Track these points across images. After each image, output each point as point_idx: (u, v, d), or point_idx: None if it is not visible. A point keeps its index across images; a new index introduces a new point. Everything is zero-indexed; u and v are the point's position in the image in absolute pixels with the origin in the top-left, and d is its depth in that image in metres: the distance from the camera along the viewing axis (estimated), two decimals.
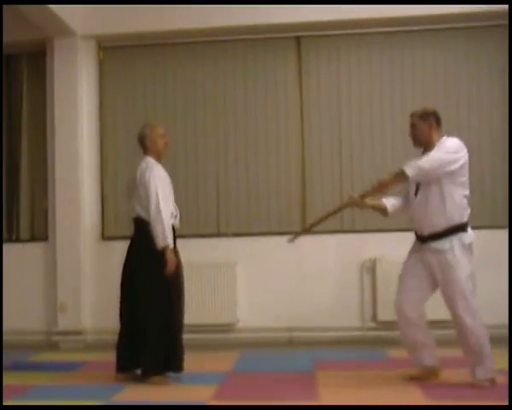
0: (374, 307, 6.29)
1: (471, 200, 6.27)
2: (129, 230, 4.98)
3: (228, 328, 6.39)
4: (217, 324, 6.35)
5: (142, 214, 4.68)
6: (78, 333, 6.46)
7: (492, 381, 4.29)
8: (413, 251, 4.54)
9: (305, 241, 6.36)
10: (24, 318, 6.51)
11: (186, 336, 4.81)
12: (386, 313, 6.00)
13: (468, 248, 4.30)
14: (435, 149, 4.33)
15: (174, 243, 4.70)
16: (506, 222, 6.22)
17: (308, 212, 6.48)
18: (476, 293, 4.33)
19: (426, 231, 4.38)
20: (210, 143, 6.63)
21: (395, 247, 5.93)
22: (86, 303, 6.52)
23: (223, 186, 6.59)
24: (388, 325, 5.91)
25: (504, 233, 6.18)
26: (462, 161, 4.30)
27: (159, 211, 4.55)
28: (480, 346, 4.25)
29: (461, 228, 4.29)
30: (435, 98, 6.39)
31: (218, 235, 6.55)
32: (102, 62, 6.76)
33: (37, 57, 6.81)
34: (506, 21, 6.25)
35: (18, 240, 6.73)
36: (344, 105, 6.54)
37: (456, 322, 4.32)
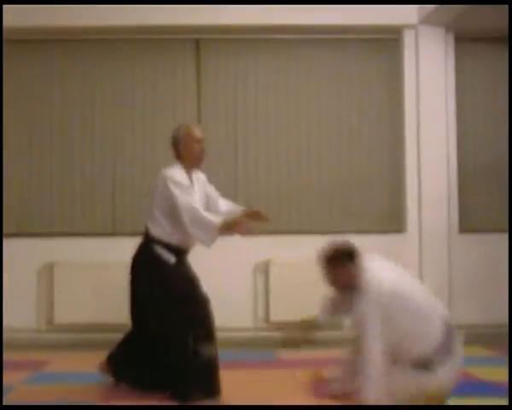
0: (266, 309, 6.42)
1: (360, 205, 6.61)
2: None
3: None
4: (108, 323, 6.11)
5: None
6: None
7: None
8: None
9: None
10: None
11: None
12: (278, 314, 6.23)
13: None
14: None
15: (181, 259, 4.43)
16: (395, 227, 6.58)
17: None
18: None
19: None
20: (107, 143, 6.56)
21: (288, 249, 6.24)
22: None
23: (119, 186, 6.54)
24: (280, 326, 6.00)
25: (393, 237, 6.54)
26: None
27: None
28: None
29: None
30: (328, 105, 6.65)
31: (113, 234, 6.50)
32: None
33: None
34: (395, 36, 6.65)
35: None
36: (240, 110, 6.63)
37: None
